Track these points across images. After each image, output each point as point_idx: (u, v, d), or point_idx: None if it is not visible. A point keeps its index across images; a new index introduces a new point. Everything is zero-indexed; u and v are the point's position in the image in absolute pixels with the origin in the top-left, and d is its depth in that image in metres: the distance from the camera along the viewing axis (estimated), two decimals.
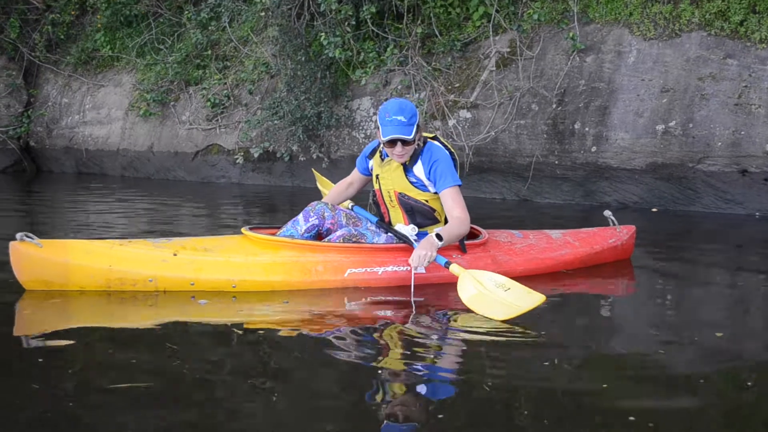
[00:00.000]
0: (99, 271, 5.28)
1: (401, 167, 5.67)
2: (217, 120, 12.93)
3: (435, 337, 4.67)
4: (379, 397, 3.65)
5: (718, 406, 3.62)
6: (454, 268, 5.28)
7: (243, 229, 5.68)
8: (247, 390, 3.73)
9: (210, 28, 13.32)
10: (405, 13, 10.90)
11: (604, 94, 9.50)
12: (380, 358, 4.23)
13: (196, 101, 13.32)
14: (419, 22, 10.91)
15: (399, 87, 10.94)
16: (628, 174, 9.45)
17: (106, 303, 5.19)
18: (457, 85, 10.60)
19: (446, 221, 5.74)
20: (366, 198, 6.17)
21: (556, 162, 9.85)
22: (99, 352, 4.32)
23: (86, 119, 14.94)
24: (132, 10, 14.45)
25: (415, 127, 5.51)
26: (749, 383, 3.85)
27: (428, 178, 5.63)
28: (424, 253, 5.30)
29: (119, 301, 5.20)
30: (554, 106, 9.80)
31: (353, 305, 5.28)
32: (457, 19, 10.90)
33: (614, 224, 6.59)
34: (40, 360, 4.10)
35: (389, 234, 5.76)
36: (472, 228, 5.90)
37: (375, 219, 5.93)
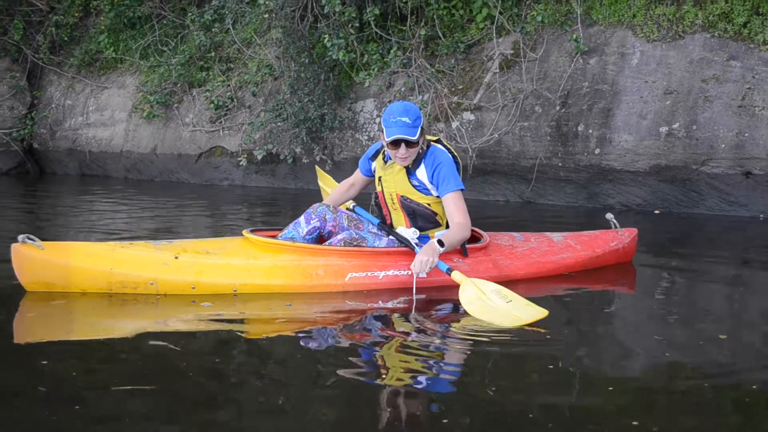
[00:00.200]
0: (100, 273, 5.27)
1: (404, 170, 5.66)
2: (221, 122, 12.93)
3: (438, 341, 4.65)
4: (382, 402, 3.63)
5: (724, 410, 3.61)
6: (456, 276, 5.26)
7: (244, 232, 5.66)
8: (251, 393, 3.73)
9: (213, 30, 13.32)
10: (408, 15, 10.90)
11: (608, 96, 9.49)
12: (383, 362, 4.22)
13: (199, 103, 13.31)
14: (423, 24, 10.91)
15: (402, 89, 10.94)
16: (632, 176, 9.44)
17: (107, 305, 5.18)
18: (460, 87, 10.59)
19: (448, 225, 5.73)
20: (368, 199, 6.16)
21: (560, 164, 9.85)
22: (101, 354, 4.31)
23: (90, 121, 14.94)
24: (135, 12, 14.45)
25: (420, 129, 5.50)
26: (754, 386, 3.83)
27: (431, 182, 5.61)
28: (425, 259, 5.28)
29: (120, 304, 5.19)
30: (558, 108, 9.79)
31: (355, 309, 5.26)
32: (461, 21, 10.90)
33: (616, 227, 6.58)
34: (44, 362, 4.08)
35: (390, 237, 5.75)
36: (473, 231, 5.89)
37: (376, 221, 5.92)
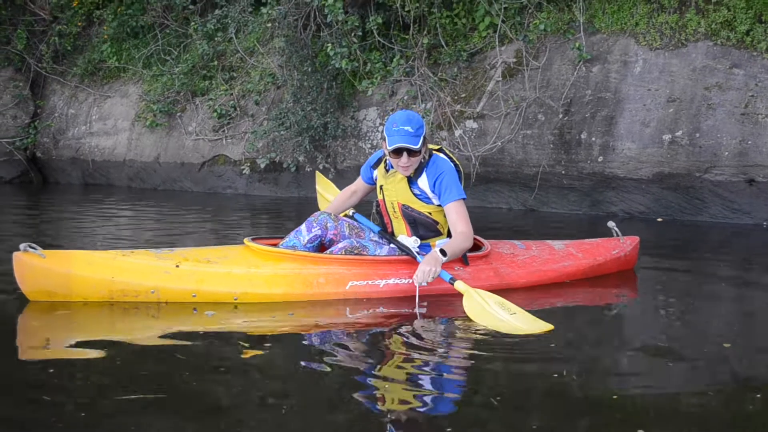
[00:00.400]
0: (101, 282, 5.28)
1: (405, 179, 5.65)
2: (224, 131, 12.93)
3: (441, 350, 4.65)
4: (385, 410, 3.63)
5: (728, 418, 3.60)
6: (460, 285, 5.26)
7: (245, 240, 5.67)
8: (255, 401, 3.73)
9: (216, 39, 13.32)
10: (411, 24, 10.90)
11: (611, 104, 9.50)
12: (386, 370, 4.21)
13: (202, 112, 13.32)
14: (425, 32, 10.91)
15: (405, 97, 10.95)
16: (635, 184, 9.43)
17: (109, 314, 5.18)
18: (463, 95, 10.60)
19: (449, 233, 5.72)
20: (369, 206, 6.16)
21: (563, 172, 9.85)
22: (106, 363, 4.30)
23: (93, 130, 14.95)
24: (138, 21, 14.47)
25: (422, 138, 5.50)
26: (758, 395, 3.83)
27: (433, 191, 5.61)
28: (428, 269, 5.28)
29: (122, 312, 5.19)
30: (561, 116, 9.79)
31: (358, 318, 5.26)
32: (464, 29, 10.91)
33: (618, 235, 6.57)
34: (50, 370, 4.09)
35: (391, 246, 5.75)
36: (474, 239, 5.90)
37: (377, 228, 5.93)
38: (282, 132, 11.66)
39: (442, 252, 5.37)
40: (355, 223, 6.01)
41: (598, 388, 3.97)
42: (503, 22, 10.29)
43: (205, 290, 5.34)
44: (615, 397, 3.80)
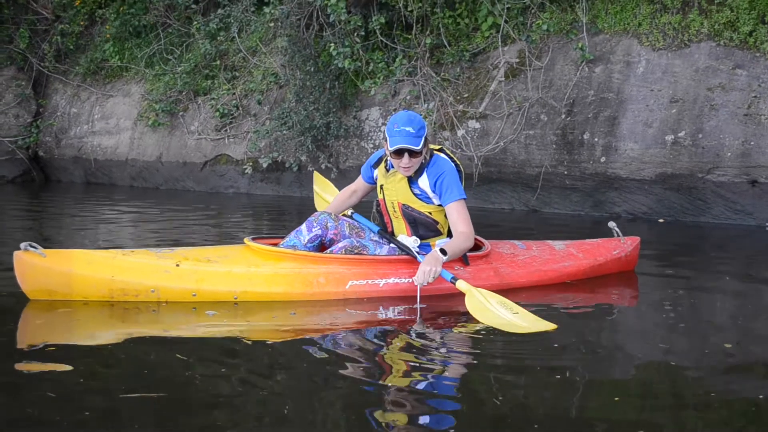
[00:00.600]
0: (102, 281, 5.28)
1: (406, 179, 5.65)
2: (226, 130, 12.93)
3: (442, 349, 4.64)
4: (387, 410, 3.62)
5: (731, 420, 3.60)
6: (461, 285, 5.25)
7: (246, 240, 5.67)
8: (257, 401, 3.72)
9: (219, 38, 13.32)
10: (414, 24, 10.89)
11: (613, 105, 9.49)
12: (388, 370, 4.20)
13: (204, 111, 13.32)
14: (428, 32, 10.90)
15: (408, 97, 10.94)
16: (638, 184, 9.43)
17: (109, 313, 5.18)
18: (465, 95, 10.60)
19: (449, 233, 5.72)
20: (370, 206, 6.16)
21: (565, 172, 9.85)
22: (105, 362, 4.30)
23: (95, 129, 14.95)
24: (141, 20, 14.46)
25: (423, 139, 5.50)
26: (761, 396, 3.82)
27: (433, 191, 5.61)
28: (429, 269, 5.28)
29: (122, 311, 5.19)
30: (563, 116, 9.79)
31: (360, 317, 5.25)
32: (466, 29, 10.90)
33: (618, 235, 6.57)
34: (51, 369, 4.08)
35: (391, 245, 5.75)
36: (474, 239, 5.90)
37: (376, 228, 5.93)
38: (284, 131, 11.66)
39: (443, 252, 5.37)
40: (356, 222, 6.01)
41: (600, 389, 3.97)
42: (506, 22, 10.28)
43: (205, 289, 5.34)
44: (617, 398, 3.80)
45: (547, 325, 4.66)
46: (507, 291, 5.52)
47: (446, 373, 4.21)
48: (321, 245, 5.81)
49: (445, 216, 5.67)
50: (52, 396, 3.70)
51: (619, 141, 9.38)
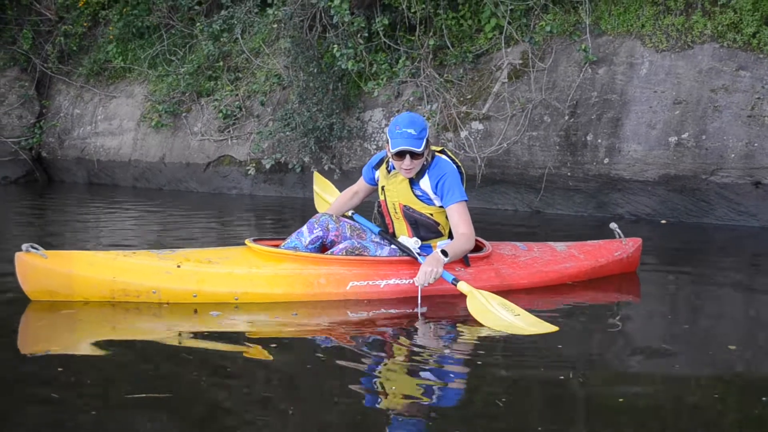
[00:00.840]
0: (103, 282, 5.29)
1: (407, 180, 5.65)
2: (229, 131, 12.93)
3: (444, 351, 4.64)
4: (389, 412, 3.62)
5: (734, 420, 3.59)
6: (463, 286, 5.26)
7: (247, 241, 5.67)
8: (261, 401, 3.73)
9: (222, 39, 13.32)
10: (417, 25, 10.89)
11: (617, 106, 9.48)
12: (390, 371, 4.21)
13: (207, 112, 13.32)
14: (431, 33, 10.90)
15: (411, 98, 10.94)
16: (641, 186, 9.42)
17: (110, 314, 5.19)
18: (469, 96, 10.59)
19: (450, 235, 5.72)
20: (371, 207, 6.16)
21: (569, 174, 9.84)
22: (106, 362, 4.32)
23: (98, 130, 14.95)
24: (144, 21, 14.46)
25: (425, 141, 5.49)
26: (764, 397, 3.81)
27: (435, 192, 5.61)
28: (430, 269, 5.28)
29: (123, 312, 5.20)
30: (566, 117, 9.78)
31: (362, 318, 5.25)
32: (469, 31, 10.89)
33: (620, 237, 6.56)
34: (52, 370, 4.09)
35: (392, 246, 5.75)
36: (476, 240, 5.90)
37: (377, 229, 5.93)
38: (287, 133, 11.66)
39: (444, 253, 5.37)
40: (357, 224, 6.01)
41: (603, 391, 3.96)
42: (509, 23, 10.27)
43: (206, 291, 5.35)
44: (621, 399, 3.80)
45: (548, 327, 4.66)
46: (508, 292, 5.52)
47: (448, 375, 4.21)
48: (322, 246, 5.82)
49: (446, 217, 5.67)
50: (52, 397, 3.70)
51: (622, 142, 9.36)
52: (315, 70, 11.36)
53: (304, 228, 5.81)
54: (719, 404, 3.74)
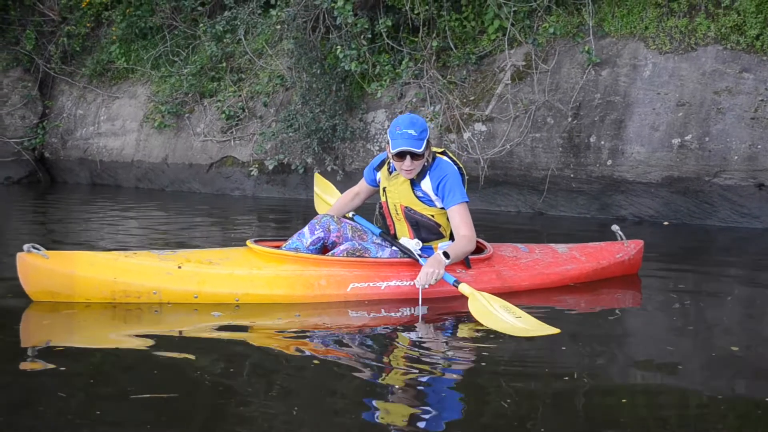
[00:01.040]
0: (104, 282, 5.29)
1: (408, 181, 5.65)
2: (232, 132, 12.94)
3: (447, 353, 4.62)
4: (392, 414, 3.61)
5: (737, 422, 3.58)
6: (464, 288, 5.24)
7: (248, 242, 5.67)
8: (264, 403, 3.72)
9: (225, 40, 13.34)
10: (420, 27, 10.90)
11: (620, 108, 9.48)
12: (393, 373, 4.19)
13: (210, 113, 13.33)
14: (434, 35, 10.90)
15: (414, 100, 10.94)
16: (644, 188, 9.41)
17: (111, 314, 5.18)
18: (472, 98, 10.59)
19: (451, 236, 5.71)
20: (372, 208, 6.15)
21: (572, 175, 9.83)
22: (108, 363, 4.33)
23: (101, 131, 14.98)
24: (147, 22, 14.48)
25: (426, 142, 5.49)
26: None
27: (436, 194, 5.60)
28: (431, 271, 5.27)
29: (124, 313, 5.19)
30: (569, 119, 9.78)
31: (364, 320, 5.24)
32: (473, 32, 10.90)
33: (622, 239, 6.55)
34: (53, 370, 4.08)
35: (394, 248, 5.74)
36: (477, 242, 5.89)
37: (378, 230, 5.93)
38: (290, 134, 11.67)
39: (445, 255, 5.36)
40: (358, 225, 6.01)
41: (606, 392, 3.95)
42: (512, 25, 10.27)
43: (207, 291, 5.34)
44: (624, 401, 3.79)
45: (549, 329, 4.65)
46: (509, 294, 5.51)
47: (451, 376, 4.19)
48: (323, 248, 5.81)
49: (448, 219, 5.66)
50: (53, 397, 3.70)
51: (625, 144, 9.36)
52: (318, 72, 11.38)
53: (306, 229, 5.81)
54: (723, 406, 3.73)
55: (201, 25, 13.59)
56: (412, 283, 5.46)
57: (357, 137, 11.50)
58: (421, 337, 4.86)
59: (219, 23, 13.24)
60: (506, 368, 4.30)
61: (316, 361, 4.35)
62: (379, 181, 6.00)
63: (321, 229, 5.78)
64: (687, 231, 9.06)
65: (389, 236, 5.84)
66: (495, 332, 4.74)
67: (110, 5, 15.17)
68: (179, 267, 5.37)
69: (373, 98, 11.33)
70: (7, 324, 5.02)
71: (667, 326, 5.27)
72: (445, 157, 5.73)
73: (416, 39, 11.02)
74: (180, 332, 4.91)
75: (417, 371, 4.19)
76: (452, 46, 10.81)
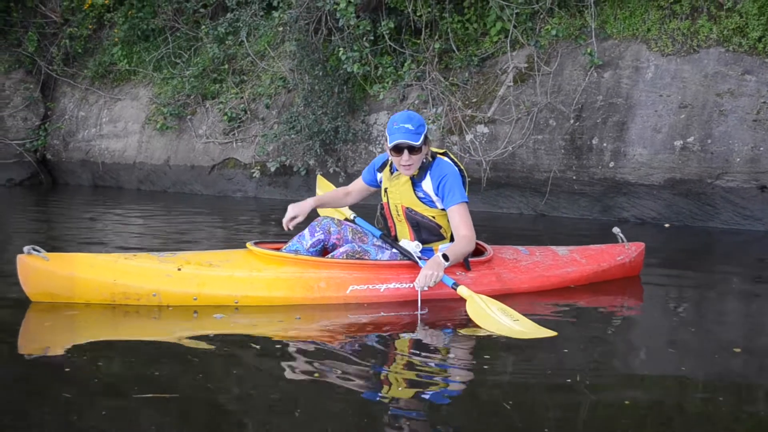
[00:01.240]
0: (103, 284, 5.29)
1: (410, 182, 5.64)
2: (234, 134, 12.95)
3: (448, 355, 4.61)
4: (392, 416, 3.61)
5: (739, 424, 3.58)
6: (463, 290, 5.24)
7: (248, 244, 5.66)
8: (267, 406, 3.72)
9: (227, 42, 13.35)
10: (423, 29, 10.90)
11: (622, 110, 9.48)
12: (394, 375, 4.17)
13: (212, 115, 13.34)
14: (437, 37, 10.90)
15: (416, 102, 10.94)
16: (646, 190, 9.41)
17: (111, 316, 5.18)
18: (474, 100, 10.59)
19: (452, 238, 5.71)
20: (373, 210, 6.15)
21: (574, 177, 9.83)
22: (107, 364, 4.31)
23: (103, 132, 15.00)
24: (149, 24, 14.51)
25: (423, 136, 5.49)
26: None
27: (436, 194, 5.59)
28: (430, 273, 5.27)
29: (123, 314, 5.19)
30: (572, 121, 9.78)
31: (362, 321, 5.22)
32: (475, 34, 10.90)
33: (623, 241, 6.54)
34: (52, 372, 4.10)
35: (393, 250, 5.74)
36: (477, 244, 5.89)
37: (378, 232, 5.92)
38: (292, 135, 11.68)
39: (445, 257, 5.36)
40: (358, 227, 6.01)
41: (608, 394, 3.94)
42: (515, 27, 10.26)
43: (206, 293, 5.34)
44: (627, 402, 3.79)
45: (547, 332, 4.66)
46: (509, 296, 5.51)
47: (451, 379, 4.18)
48: (324, 250, 5.81)
49: (448, 220, 5.67)
50: (52, 398, 3.71)
51: (627, 146, 9.36)
52: (320, 73, 11.38)
53: (306, 231, 5.81)
54: (725, 407, 3.73)
55: (203, 27, 13.61)
56: (411, 285, 5.46)
57: (359, 139, 11.51)
58: (420, 340, 4.85)
59: (221, 25, 13.25)
60: (507, 371, 4.30)
61: (315, 364, 4.34)
62: (380, 182, 6.00)
63: (321, 231, 5.78)
64: (689, 233, 9.05)
65: (389, 238, 5.83)
66: (494, 335, 4.75)
67: (112, 7, 15.20)
68: (179, 269, 5.37)
69: (376, 100, 11.33)
70: (7, 325, 5.03)
71: (668, 329, 5.26)
72: (446, 158, 5.73)
73: (418, 41, 11.03)
74: (180, 334, 4.90)
75: (416, 374, 4.19)
76: (454, 48, 10.81)
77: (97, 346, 4.71)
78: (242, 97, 13.00)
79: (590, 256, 6.36)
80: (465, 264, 5.70)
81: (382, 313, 5.34)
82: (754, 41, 8.84)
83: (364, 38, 10.89)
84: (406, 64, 10.87)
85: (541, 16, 10.31)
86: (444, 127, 10.53)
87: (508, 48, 10.36)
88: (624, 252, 6.50)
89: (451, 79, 10.83)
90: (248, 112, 12.86)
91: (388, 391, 3.92)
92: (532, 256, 6.16)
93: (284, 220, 5.93)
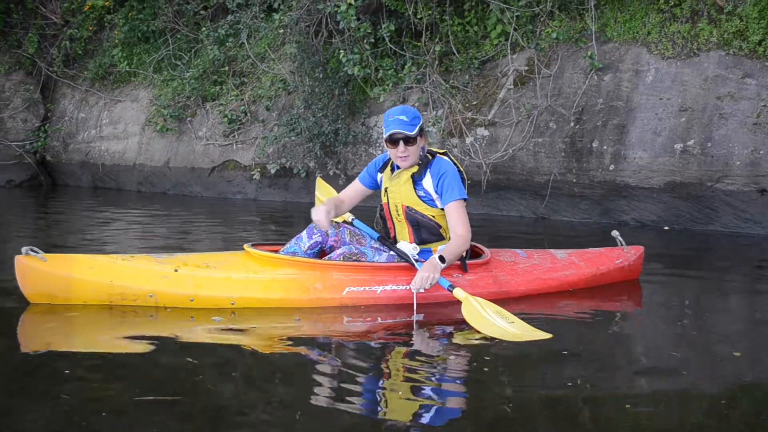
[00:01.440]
0: (101, 285, 5.29)
1: (410, 180, 5.63)
2: (234, 136, 12.96)
3: (444, 357, 4.60)
4: (392, 420, 3.60)
5: (740, 426, 3.58)
6: (458, 293, 5.24)
7: (245, 246, 5.66)
8: (266, 408, 3.71)
9: (227, 44, 13.35)
10: (423, 31, 10.91)
11: (622, 113, 9.48)
12: (393, 377, 4.17)
13: (212, 117, 13.35)
14: (437, 40, 10.91)
15: (416, 104, 10.93)
16: (646, 193, 9.41)
17: (108, 317, 5.18)
18: (474, 102, 10.60)
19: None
20: (372, 213, 6.14)
21: (574, 180, 9.83)
22: (106, 365, 4.30)
23: (103, 134, 15.01)
24: (149, 26, 14.51)
25: (418, 128, 5.50)
26: None
27: (436, 191, 5.58)
28: (426, 275, 5.27)
29: (120, 315, 5.19)
30: (572, 124, 9.78)
31: (357, 324, 5.21)
32: (475, 37, 10.91)
33: (622, 244, 6.52)
34: (50, 372, 4.09)
35: (391, 253, 5.73)
36: (475, 247, 5.89)
37: (376, 235, 5.91)
38: (292, 138, 11.68)
39: (441, 259, 5.36)
40: (356, 230, 6.00)
41: (608, 398, 3.92)
42: (515, 30, 10.27)
43: (203, 295, 5.33)
44: (627, 406, 3.78)
45: (542, 335, 4.66)
46: (506, 299, 5.51)
47: (447, 381, 4.17)
48: (321, 252, 5.80)
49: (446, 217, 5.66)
50: (50, 399, 3.70)
51: (627, 149, 9.36)
52: (320, 76, 11.39)
53: (304, 233, 5.80)
54: (726, 411, 3.72)
55: (203, 28, 13.61)
56: (407, 287, 5.45)
57: (359, 141, 11.51)
58: (416, 342, 4.85)
59: (222, 27, 13.26)
60: (504, 373, 4.28)
61: (314, 365, 4.35)
62: (380, 183, 6.00)
63: (319, 233, 5.77)
64: (689, 236, 9.04)
65: (387, 240, 5.82)
66: (490, 337, 4.74)
67: (113, 9, 15.21)
68: (175, 270, 5.36)
69: (376, 102, 11.34)
70: (5, 326, 5.03)
71: (668, 332, 5.25)
72: (445, 157, 5.73)
73: (419, 43, 11.04)
74: (175, 336, 4.89)
75: (412, 376, 4.18)
76: (455, 51, 10.81)
77: (97, 347, 4.72)
78: (242, 99, 13.00)
79: (589, 260, 6.33)
80: (462, 266, 5.69)
81: (379, 316, 5.33)
82: (754, 44, 8.84)
83: (365, 41, 10.90)
84: (406, 67, 10.88)
85: (542, 19, 10.32)
86: (444, 130, 10.53)
87: (509, 51, 10.37)
88: (623, 255, 6.48)
89: (451, 81, 10.84)
90: (248, 114, 12.86)
91: (385, 393, 3.92)
92: (530, 259, 6.14)
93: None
